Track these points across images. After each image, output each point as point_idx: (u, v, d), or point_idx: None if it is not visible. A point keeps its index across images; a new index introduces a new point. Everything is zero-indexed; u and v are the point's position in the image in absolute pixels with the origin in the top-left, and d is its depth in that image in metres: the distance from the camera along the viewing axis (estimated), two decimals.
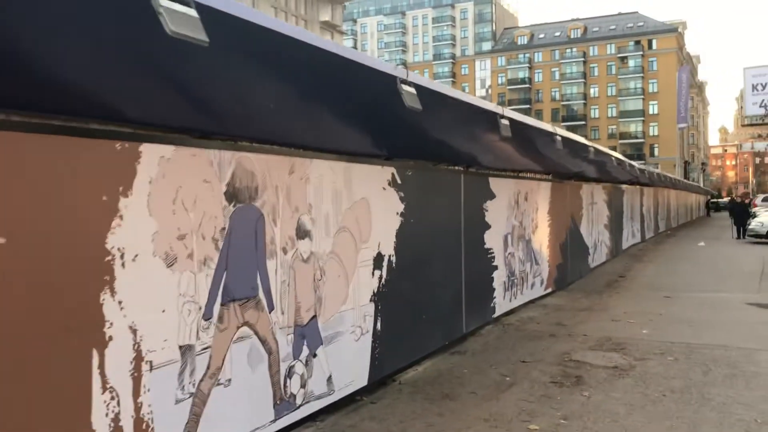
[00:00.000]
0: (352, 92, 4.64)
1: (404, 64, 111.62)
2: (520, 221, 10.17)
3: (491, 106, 6.64)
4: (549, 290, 11.66)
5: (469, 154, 7.95)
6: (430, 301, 7.11)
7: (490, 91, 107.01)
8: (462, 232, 7.92)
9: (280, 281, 4.67)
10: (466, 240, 8.00)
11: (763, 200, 47.91)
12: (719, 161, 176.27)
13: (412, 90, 4.66)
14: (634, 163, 20.39)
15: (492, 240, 8.94)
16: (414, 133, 6.01)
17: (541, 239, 11.26)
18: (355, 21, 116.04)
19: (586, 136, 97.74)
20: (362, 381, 5.72)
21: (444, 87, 5.92)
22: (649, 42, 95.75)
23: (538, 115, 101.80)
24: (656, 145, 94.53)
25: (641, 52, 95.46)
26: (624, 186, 19.94)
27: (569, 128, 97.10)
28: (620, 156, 16.86)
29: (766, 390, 5.97)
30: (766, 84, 51.02)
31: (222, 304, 4.16)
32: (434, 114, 5.76)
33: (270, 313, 4.57)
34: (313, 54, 3.94)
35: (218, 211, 4.14)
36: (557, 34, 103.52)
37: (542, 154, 10.28)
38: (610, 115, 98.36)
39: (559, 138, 8.72)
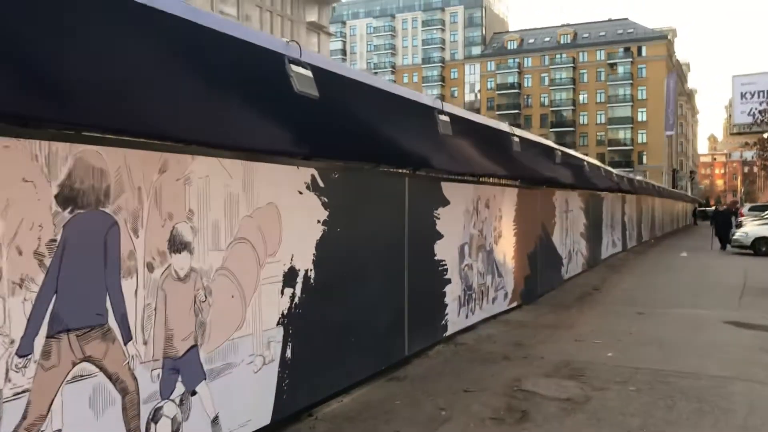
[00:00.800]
0: (246, 76, 3.79)
1: (393, 66, 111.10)
2: (480, 230, 9.35)
3: (427, 99, 5.80)
4: (514, 304, 10.85)
5: (416, 155, 7.13)
6: (362, 321, 6.26)
7: (479, 95, 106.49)
8: (406, 243, 7.09)
9: (142, 305, 3.81)
10: (411, 252, 7.16)
11: (750, 209, 47.35)
12: (708, 170, 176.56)
13: (307, 73, 3.80)
14: (613, 170, 19.69)
15: (444, 251, 8.11)
16: (341, 130, 5.18)
17: (506, 249, 10.45)
18: (344, 23, 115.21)
19: (574, 143, 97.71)
20: (263, 419, 4.86)
21: (359, 73, 5.06)
22: (639, 49, 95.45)
23: (527, 120, 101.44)
24: (644, 153, 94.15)
25: (631, 59, 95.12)
26: (603, 193, 19.18)
27: (558, 134, 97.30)
28: (597, 162, 16.11)
29: None
30: (754, 92, 50.62)
31: (50, 336, 3.31)
32: (355, 106, 4.93)
33: (126, 344, 3.72)
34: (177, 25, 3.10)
35: (45, 218, 3.28)
36: (547, 39, 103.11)
37: (508, 158, 9.48)
38: (599, 121, 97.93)
39: (516, 139, 7.91)
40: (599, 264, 18.21)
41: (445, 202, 8.17)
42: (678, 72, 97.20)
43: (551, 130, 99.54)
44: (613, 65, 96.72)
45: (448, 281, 8.24)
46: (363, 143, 5.79)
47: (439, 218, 7.97)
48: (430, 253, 7.76)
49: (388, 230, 6.77)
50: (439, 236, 7.98)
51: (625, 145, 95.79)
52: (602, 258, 19.00)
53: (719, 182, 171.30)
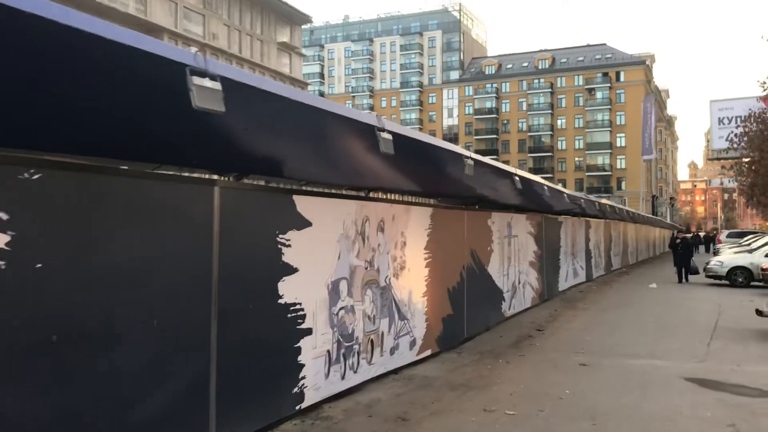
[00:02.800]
0: None
1: (371, 90, 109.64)
2: (368, 260, 7.19)
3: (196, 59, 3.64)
4: (427, 353, 8.66)
5: (239, 153, 5.00)
6: (104, 409, 4.03)
7: (457, 120, 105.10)
8: (214, 282, 4.89)
9: None
10: (224, 293, 4.96)
11: (728, 236, 45.66)
12: (689, 196, 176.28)
13: None
14: (575, 193, 17.72)
15: (300, 290, 5.92)
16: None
17: (413, 284, 8.29)
18: (322, 46, 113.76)
19: (553, 168, 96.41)
20: None
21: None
22: (617, 74, 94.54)
23: (505, 146, 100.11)
24: (623, 179, 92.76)
25: (609, 84, 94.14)
26: (562, 217, 17.14)
27: (536, 159, 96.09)
28: (550, 184, 14.10)
29: None
30: (732, 117, 49.43)
31: None
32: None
33: None
34: None
35: None
36: (525, 64, 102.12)
37: (422, 172, 7.41)
38: (577, 146, 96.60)
39: (443, 150, 5.79)
40: (555, 296, 16.07)
41: (302, 224, 6.01)
42: (657, 97, 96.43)
43: (529, 155, 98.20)
44: (591, 90, 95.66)
45: (306, 332, 6.04)
46: (86, 128, 3.63)
47: (289, 245, 5.79)
48: (268, 293, 5.57)
49: (170, 264, 4.54)
50: (289, 270, 5.80)
51: (603, 170, 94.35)
52: (560, 290, 16.87)
53: (700, 209, 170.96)
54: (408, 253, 8.15)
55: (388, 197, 8.06)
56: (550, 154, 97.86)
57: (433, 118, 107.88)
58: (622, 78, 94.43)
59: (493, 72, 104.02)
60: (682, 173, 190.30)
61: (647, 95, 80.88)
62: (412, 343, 8.29)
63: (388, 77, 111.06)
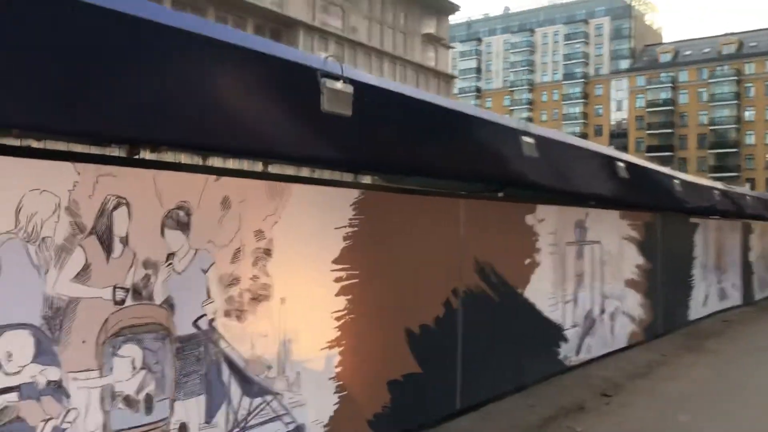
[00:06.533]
0: None
1: (530, 83, 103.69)
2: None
3: None
4: None
5: None
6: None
7: (627, 113, 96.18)
8: None
9: None
10: None
11: None
12: None
13: None
14: (720, 185, 12.85)
15: None
16: None
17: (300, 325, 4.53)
18: (479, 41, 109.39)
19: (738, 166, 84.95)
20: None
21: None
22: None
23: (682, 141, 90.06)
24: None
25: None
26: (696, 218, 12.24)
27: (718, 156, 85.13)
28: (668, 170, 9.56)
29: None
30: None
31: None
32: None
33: None
34: None
35: None
36: (706, 50, 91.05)
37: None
38: None
39: None
40: (678, 329, 11.21)
41: None
42: None
43: (710, 151, 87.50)
44: None
45: None
46: None
47: None
48: None
49: None
50: None
51: None
52: (689, 319, 11.95)
53: None
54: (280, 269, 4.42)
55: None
56: (735, 150, 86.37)
57: (600, 111, 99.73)
58: None
59: (669, 60, 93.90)
60: None
61: None
62: None
63: (550, 69, 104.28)
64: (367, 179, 5.28)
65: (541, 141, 5.90)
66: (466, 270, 6.21)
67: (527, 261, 7.20)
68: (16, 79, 2.95)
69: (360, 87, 3.75)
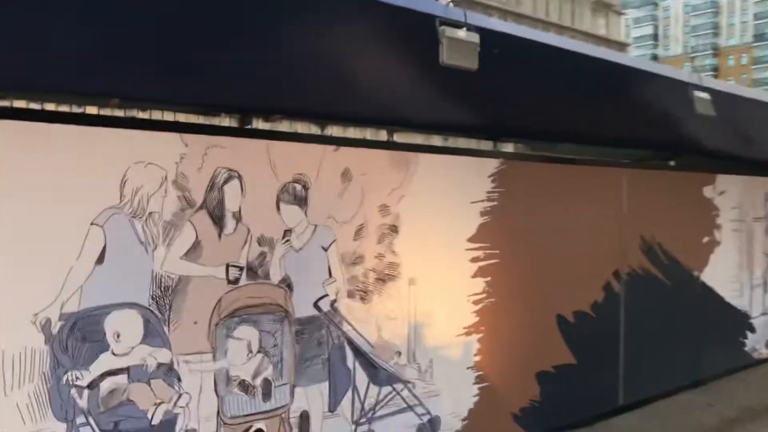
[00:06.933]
0: None
1: (715, 47, 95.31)
2: None
3: None
4: None
5: None
6: None
7: None
8: None
9: None
10: None
11: None
12: None
13: None
14: None
15: None
16: None
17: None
18: (656, 5, 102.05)
19: None
20: None
21: None
22: None
23: None
24: None
25: None
26: None
27: None
28: None
29: None
30: None
31: None
32: None
33: None
34: None
35: None
36: None
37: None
38: None
39: None
40: None
41: None
42: None
43: None
44: None
45: None
46: None
47: None
48: None
49: None
50: None
51: None
52: None
53: None
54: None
55: None
56: None
57: None
58: None
59: None
60: None
61: None
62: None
63: (737, 31, 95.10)
64: (509, 147, 4.70)
65: (719, 97, 5.02)
66: (630, 250, 5.48)
67: (705, 239, 6.30)
68: (115, 45, 2.79)
69: (488, 36, 3.24)
